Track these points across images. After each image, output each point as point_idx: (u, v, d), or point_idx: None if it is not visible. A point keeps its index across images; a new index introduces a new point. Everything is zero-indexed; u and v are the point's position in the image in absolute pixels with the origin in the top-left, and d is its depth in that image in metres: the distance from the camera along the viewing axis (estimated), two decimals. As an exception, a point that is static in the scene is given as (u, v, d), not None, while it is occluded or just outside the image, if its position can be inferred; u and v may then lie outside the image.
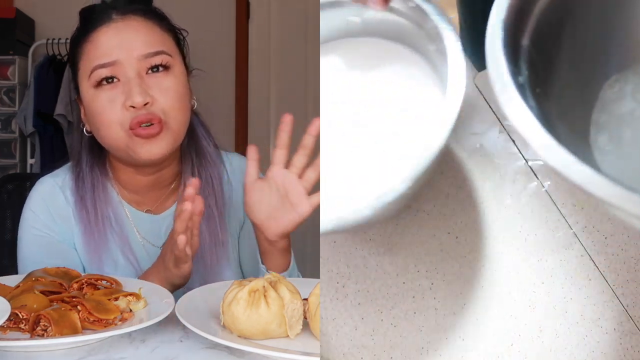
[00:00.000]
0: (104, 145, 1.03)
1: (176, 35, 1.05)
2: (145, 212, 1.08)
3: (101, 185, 1.06)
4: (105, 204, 1.05)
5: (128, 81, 0.97)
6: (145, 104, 0.96)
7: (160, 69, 0.99)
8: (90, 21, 1.00)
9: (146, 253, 1.06)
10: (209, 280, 1.02)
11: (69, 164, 1.10)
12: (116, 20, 0.99)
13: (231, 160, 1.14)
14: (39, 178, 1.11)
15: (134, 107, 0.96)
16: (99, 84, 0.98)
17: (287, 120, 0.94)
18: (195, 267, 1.03)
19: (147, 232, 1.07)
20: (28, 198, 1.08)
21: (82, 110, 1.04)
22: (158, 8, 1.05)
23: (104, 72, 0.97)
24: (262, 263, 0.99)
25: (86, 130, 1.04)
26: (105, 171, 1.08)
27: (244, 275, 1.12)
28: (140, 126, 0.96)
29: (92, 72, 0.98)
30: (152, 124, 0.96)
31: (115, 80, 0.98)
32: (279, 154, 0.94)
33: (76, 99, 1.06)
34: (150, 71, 0.99)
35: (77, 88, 1.04)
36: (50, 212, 1.06)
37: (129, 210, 1.08)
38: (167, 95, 0.98)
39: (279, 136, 0.95)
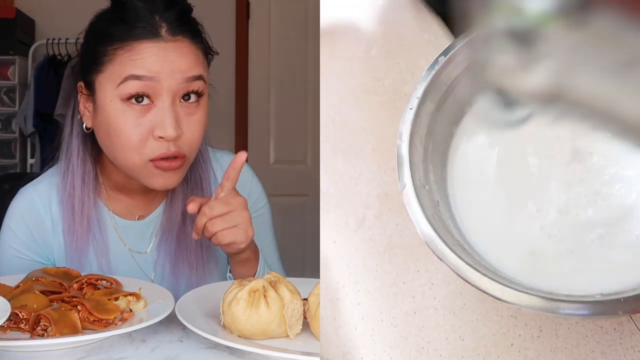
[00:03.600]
0: (112, 160, 0.99)
1: (207, 56, 1.00)
2: (137, 219, 1.06)
3: (91, 185, 1.02)
4: (91, 207, 1.02)
5: (163, 108, 0.92)
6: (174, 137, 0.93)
7: (193, 97, 0.95)
8: (133, 27, 0.92)
9: (135, 262, 1.05)
10: (196, 282, 1.02)
11: (53, 168, 1.06)
12: (166, 39, 0.93)
13: (219, 159, 1.12)
14: (30, 180, 1.08)
15: (162, 138, 0.92)
16: (128, 99, 0.92)
17: (241, 160, 0.94)
18: (180, 269, 1.03)
19: (133, 241, 1.06)
20: (8, 210, 1.05)
21: (83, 102, 0.98)
22: (200, 24, 0.99)
23: (138, 86, 0.91)
24: (230, 272, 1.01)
25: (85, 127, 0.99)
26: (95, 174, 1.03)
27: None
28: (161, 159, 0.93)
29: (124, 80, 0.92)
30: (175, 159, 0.94)
31: (146, 100, 0.92)
32: (227, 186, 0.94)
33: (78, 86, 0.99)
34: (182, 99, 0.94)
35: (84, 78, 0.97)
36: (29, 229, 1.03)
37: (116, 220, 1.05)
38: (195, 129, 0.95)
39: (230, 172, 0.94)
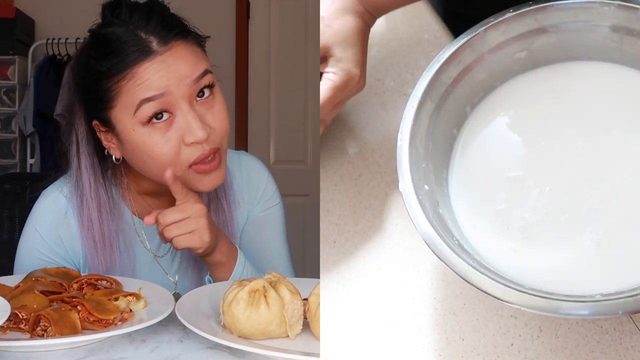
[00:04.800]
0: (150, 178, 0.98)
1: (202, 44, 0.99)
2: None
3: (108, 205, 1.01)
4: (113, 225, 1.01)
5: (184, 115, 0.92)
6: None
7: (206, 92, 0.94)
8: (126, 55, 0.91)
9: (159, 265, 1.06)
10: None
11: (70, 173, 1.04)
12: (160, 51, 0.91)
13: (238, 158, 1.13)
14: (43, 184, 1.05)
15: (196, 142, 0.92)
16: (148, 121, 0.91)
17: (167, 175, 0.93)
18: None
19: (156, 244, 1.06)
20: (33, 211, 1.03)
21: (104, 137, 0.97)
22: (185, 20, 0.97)
23: (153, 107, 0.91)
24: (209, 275, 1.01)
25: (115, 158, 0.98)
26: (113, 186, 1.03)
27: None
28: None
29: (138, 107, 0.91)
30: (212, 157, 0.94)
31: (166, 115, 0.92)
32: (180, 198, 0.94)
33: (94, 125, 0.97)
34: (197, 98, 0.93)
35: (97, 116, 0.96)
36: (57, 233, 1.02)
37: (139, 225, 1.05)
38: (219, 120, 0.95)
39: (172, 188, 0.94)
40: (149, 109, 0.91)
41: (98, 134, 0.98)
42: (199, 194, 1.01)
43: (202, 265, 1.03)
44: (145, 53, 0.91)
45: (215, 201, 1.06)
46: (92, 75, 0.94)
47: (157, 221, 0.93)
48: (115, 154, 0.98)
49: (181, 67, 0.92)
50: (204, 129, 0.92)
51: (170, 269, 1.06)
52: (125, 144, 0.95)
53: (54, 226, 1.02)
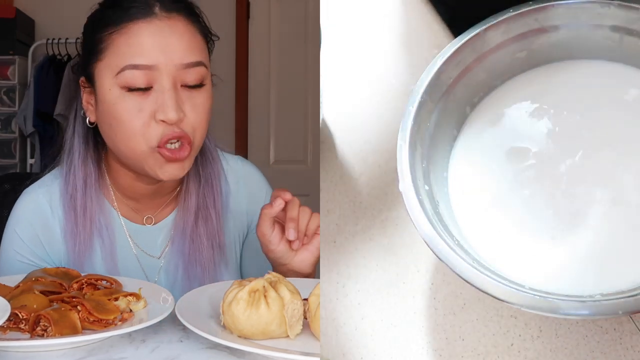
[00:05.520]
0: (117, 153, 0.96)
1: (207, 40, 0.98)
2: (145, 220, 1.04)
3: (94, 187, 0.99)
4: (96, 208, 0.99)
5: (162, 92, 0.90)
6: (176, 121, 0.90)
7: (195, 83, 0.93)
8: (127, 9, 0.91)
9: (139, 264, 1.03)
10: (206, 283, 1.01)
11: (57, 169, 1.04)
12: (160, 17, 0.91)
13: (228, 161, 1.11)
14: (29, 184, 1.05)
15: (164, 121, 0.90)
16: (128, 88, 0.90)
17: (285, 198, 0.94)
18: (193, 271, 1.02)
19: (143, 242, 1.04)
20: (13, 212, 1.02)
21: (86, 97, 0.97)
22: (196, 6, 0.97)
23: (137, 77, 0.89)
24: None
25: (89, 122, 0.97)
26: (99, 172, 1.01)
27: None
28: (167, 145, 0.90)
29: (123, 69, 0.89)
30: (180, 143, 0.91)
31: (147, 88, 0.90)
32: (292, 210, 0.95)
33: (80, 82, 0.97)
34: (183, 84, 0.92)
35: (85, 71, 0.95)
36: (36, 234, 1.00)
37: (125, 224, 1.03)
38: (197, 112, 0.93)
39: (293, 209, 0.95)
40: (131, 77, 0.89)
41: (82, 92, 0.97)
42: (183, 203, 1.01)
43: (192, 274, 1.02)
44: (144, 12, 0.91)
45: (204, 210, 1.03)
46: (92, 25, 0.94)
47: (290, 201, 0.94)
48: (90, 117, 0.97)
49: (175, 42, 0.91)
50: (177, 111, 0.89)
51: (152, 269, 1.04)
52: (99, 103, 0.93)
53: (34, 227, 1.00)
